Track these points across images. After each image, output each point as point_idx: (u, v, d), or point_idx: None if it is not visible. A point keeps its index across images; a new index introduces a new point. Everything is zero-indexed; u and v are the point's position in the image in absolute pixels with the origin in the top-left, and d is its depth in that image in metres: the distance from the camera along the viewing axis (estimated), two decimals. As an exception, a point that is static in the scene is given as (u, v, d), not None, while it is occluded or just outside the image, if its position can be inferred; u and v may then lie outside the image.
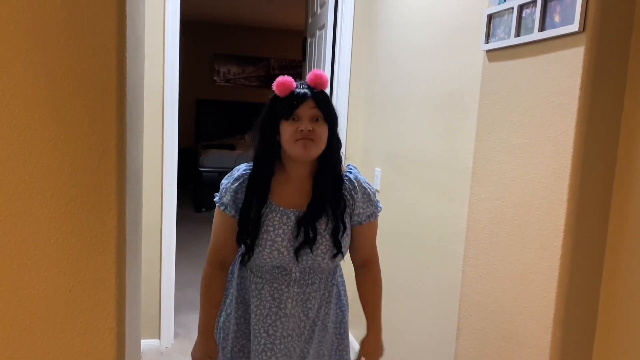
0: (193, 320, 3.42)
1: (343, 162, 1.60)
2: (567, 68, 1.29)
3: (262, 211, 1.50)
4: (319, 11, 3.44)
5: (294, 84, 1.50)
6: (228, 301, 1.69)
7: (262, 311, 1.57)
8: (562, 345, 1.33)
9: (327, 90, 1.56)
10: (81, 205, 1.02)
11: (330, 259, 1.54)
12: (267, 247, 1.50)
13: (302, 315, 1.58)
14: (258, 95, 8.26)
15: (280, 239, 1.50)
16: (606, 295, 1.32)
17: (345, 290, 1.74)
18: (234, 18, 7.58)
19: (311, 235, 1.49)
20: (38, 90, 0.99)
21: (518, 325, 1.45)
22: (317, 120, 1.46)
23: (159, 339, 3.08)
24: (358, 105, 3.15)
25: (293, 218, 1.50)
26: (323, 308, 1.63)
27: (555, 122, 1.32)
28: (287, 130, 1.46)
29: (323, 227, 1.52)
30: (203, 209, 6.56)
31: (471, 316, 1.68)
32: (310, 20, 3.76)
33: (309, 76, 1.52)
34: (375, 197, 1.63)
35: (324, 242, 1.52)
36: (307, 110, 1.45)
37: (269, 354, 1.56)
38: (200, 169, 6.68)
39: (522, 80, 1.45)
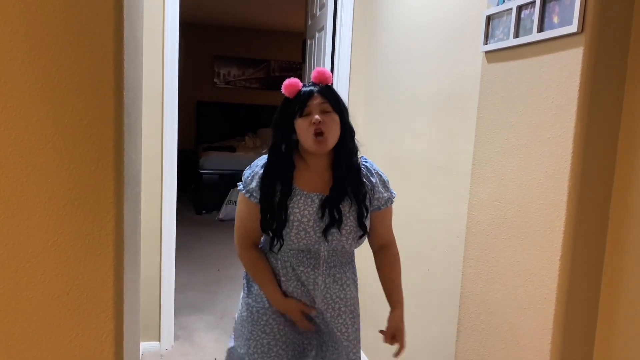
0: (193, 322, 3.42)
1: (359, 151, 1.68)
2: (566, 69, 1.29)
3: (288, 198, 1.57)
4: (318, 13, 3.44)
5: (300, 84, 1.60)
6: (247, 290, 1.71)
7: (295, 295, 1.63)
8: (562, 347, 1.32)
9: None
10: (79, 208, 1.02)
11: (356, 240, 1.62)
12: (295, 227, 1.56)
13: (334, 297, 1.64)
14: (258, 97, 8.26)
15: (306, 220, 1.56)
16: (606, 296, 1.32)
17: (357, 296, 1.74)
18: (234, 20, 7.59)
19: (337, 216, 1.56)
20: (35, 92, 0.99)
21: (518, 327, 1.45)
22: (327, 112, 1.55)
23: (159, 341, 3.07)
24: (358, 107, 3.15)
25: (317, 201, 1.57)
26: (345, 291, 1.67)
27: (555, 123, 1.32)
28: (301, 127, 1.55)
29: (347, 209, 1.58)
30: (203, 211, 6.55)
31: (471, 317, 1.67)
32: (309, 22, 3.76)
33: (312, 73, 1.62)
34: (389, 184, 1.72)
35: (349, 223, 1.58)
36: (315, 105, 1.55)
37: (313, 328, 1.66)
38: (201, 171, 6.68)
39: (521, 81, 1.45)
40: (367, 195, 1.63)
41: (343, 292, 1.65)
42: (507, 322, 1.50)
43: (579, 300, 1.32)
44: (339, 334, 1.65)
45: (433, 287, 2.21)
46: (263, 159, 1.64)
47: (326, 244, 1.58)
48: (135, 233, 1.46)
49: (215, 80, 8.27)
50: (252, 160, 1.67)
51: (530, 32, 1.40)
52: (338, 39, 3.09)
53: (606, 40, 1.24)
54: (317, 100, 1.55)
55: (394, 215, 1.78)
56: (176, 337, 3.19)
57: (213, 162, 6.68)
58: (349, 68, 3.11)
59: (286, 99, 1.61)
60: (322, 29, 3.25)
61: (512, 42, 1.47)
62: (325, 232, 1.56)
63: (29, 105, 0.98)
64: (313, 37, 3.58)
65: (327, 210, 1.56)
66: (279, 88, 1.62)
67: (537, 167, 1.38)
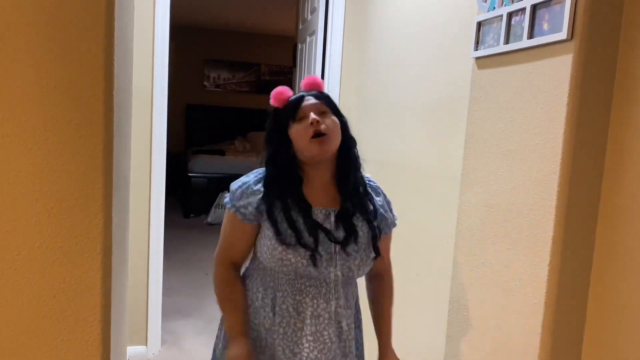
0: (181, 327, 3.39)
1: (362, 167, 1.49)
2: (556, 75, 1.30)
3: (301, 214, 1.36)
4: (309, 17, 3.45)
5: (290, 91, 1.43)
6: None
7: (286, 329, 1.38)
8: (551, 352, 1.33)
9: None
10: (67, 210, 1.01)
11: (367, 264, 1.40)
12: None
13: (332, 336, 1.39)
14: (248, 101, 8.25)
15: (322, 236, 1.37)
16: (594, 301, 1.33)
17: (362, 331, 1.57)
18: (224, 23, 7.58)
19: (353, 229, 1.37)
20: (25, 93, 0.97)
21: (507, 332, 1.45)
22: (325, 113, 1.37)
23: (146, 345, 3.05)
24: (348, 112, 3.13)
25: (332, 217, 1.38)
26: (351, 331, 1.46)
27: (544, 129, 1.33)
28: (297, 131, 1.35)
29: (360, 226, 1.39)
30: (191, 215, 6.52)
31: (460, 322, 1.68)
32: (300, 26, 3.76)
33: (302, 81, 1.46)
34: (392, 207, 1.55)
35: (361, 242, 1.38)
36: (310, 106, 1.37)
37: None
38: (189, 174, 6.64)
39: (511, 87, 1.46)
40: (376, 216, 1.43)
41: (344, 333, 1.42)
42: (495, 327, 1.50)
43: (567, 305, 1.33)
44: None
45: (422, 291, 2.21)
46: (255, 173, 1.43)
47: (335, 266, 1.35)
48: (124, 236, 1.45)
49: (205, 83, 8.25)
50: (242, 164, 1.54)
51: (520, 38, 1.41)
52: (329, 43, 3.10)
53: (595, 47, 1.25)
54: (311, 102, 1.37)
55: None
56: (163, 342, 3.16)
57: (202, 166, 6.65)
58: (339, 72, 3.11)
59: (275, 109, 1.42)
60: (313, 33, 3.26)
61: (503, 48, 1.48)
62: (343, 245, 1.35)
63: (18, 107, 0.97)
64: (304, 41, 3.59)
65: (341, 225, 1.36)
66: (270, 92, 1.44)
67: (526, 173, 1.39)
